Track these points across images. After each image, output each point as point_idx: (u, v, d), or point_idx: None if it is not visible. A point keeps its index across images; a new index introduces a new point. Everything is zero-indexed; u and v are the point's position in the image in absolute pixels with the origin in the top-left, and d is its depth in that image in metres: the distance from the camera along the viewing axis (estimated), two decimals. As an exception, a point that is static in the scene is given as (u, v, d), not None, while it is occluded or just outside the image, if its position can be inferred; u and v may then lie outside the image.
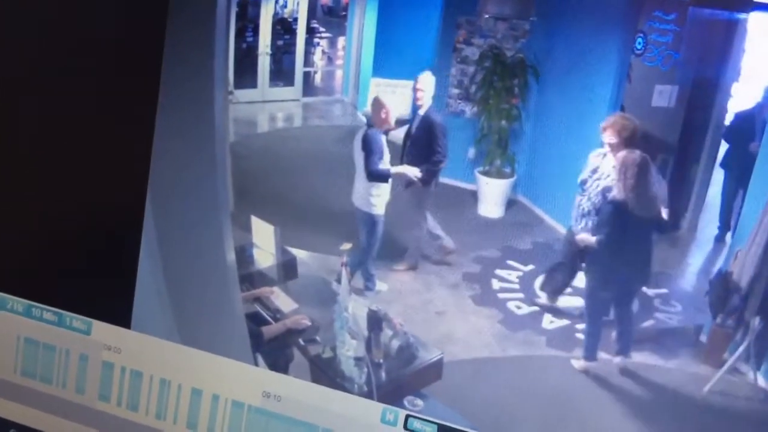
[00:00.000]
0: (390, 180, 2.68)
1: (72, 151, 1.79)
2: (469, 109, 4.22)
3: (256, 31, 2.89)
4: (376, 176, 2.74)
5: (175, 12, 1.67)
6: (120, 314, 1.73)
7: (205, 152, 2.03)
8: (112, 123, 1.80)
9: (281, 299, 2.83)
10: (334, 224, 3.08)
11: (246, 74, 3.00)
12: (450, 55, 4.36)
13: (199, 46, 1.86)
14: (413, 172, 2.65)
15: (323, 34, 3.61)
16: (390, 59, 4.18)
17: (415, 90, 3.02)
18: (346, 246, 3.04)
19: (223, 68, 1.97)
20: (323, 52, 3.37)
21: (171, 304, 1.92)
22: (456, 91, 4.03)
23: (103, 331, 1.65)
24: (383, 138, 2.80)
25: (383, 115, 2.88)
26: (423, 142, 2.88)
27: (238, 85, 2.88)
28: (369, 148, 2.83)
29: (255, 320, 2.42)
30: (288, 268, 3.17)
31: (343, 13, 3.22)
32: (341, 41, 3.34)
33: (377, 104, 2.96)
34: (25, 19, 1.67)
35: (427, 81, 3.13)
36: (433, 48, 4.38)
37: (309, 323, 2.68)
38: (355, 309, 2.68)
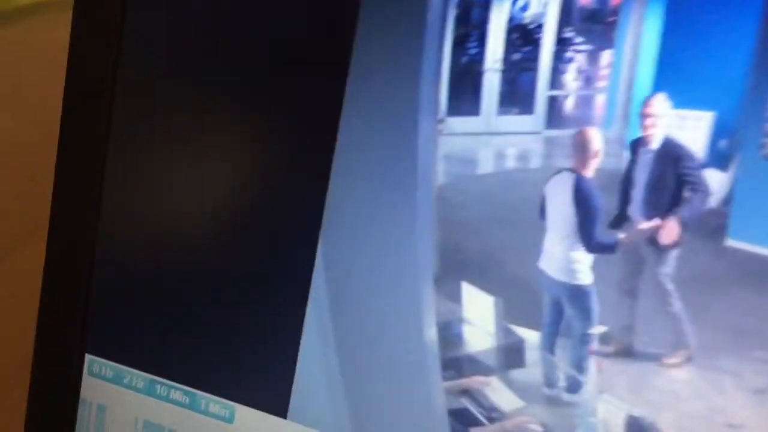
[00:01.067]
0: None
1: (224, 199, 1.87)
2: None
3: (482, 40, 2.80)
4: (601, 249, 2.50)
5: (368, 10, 1.65)
6: (274, 398, 1.72)
7: (402, 197, 1.99)
8: (279, 164, 1.84)
9: (500, 394, 2.78)
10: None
11: (465, 97, 2.94)
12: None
13: (398, 56, 1.82)
14: (658, 228, 2.45)
15: (580, 47, 3.40)
16: (679, 80, 3.84)
17: (643, 116, 2.72)
18: (598, 329, 3.21)
19: (432, 88, 1.91)
20: (579, 70, 3.20)
21: (344, 391, 1.89)
22: (778, 126, 3.53)
23: (250, 418, 1.67)
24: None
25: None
26: (663, 183, 2.67)
27: (453, 111, 2.83)
28: (587, 206, 2.59)
29: (461, 419, 2.31)
30: (511, 353, 3.39)
31: (611, 18, 3.01)
32: (606, 56, 3.14)
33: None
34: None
35: (659, 105, 3.01)
36: (746, 65, 3.95)
37: (540, 430, 2.51)
38: (608, 414, 2.41)
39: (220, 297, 1.88)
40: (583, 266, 2.92)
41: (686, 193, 2.76)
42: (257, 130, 1.87)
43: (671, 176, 2.93)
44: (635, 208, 2.88)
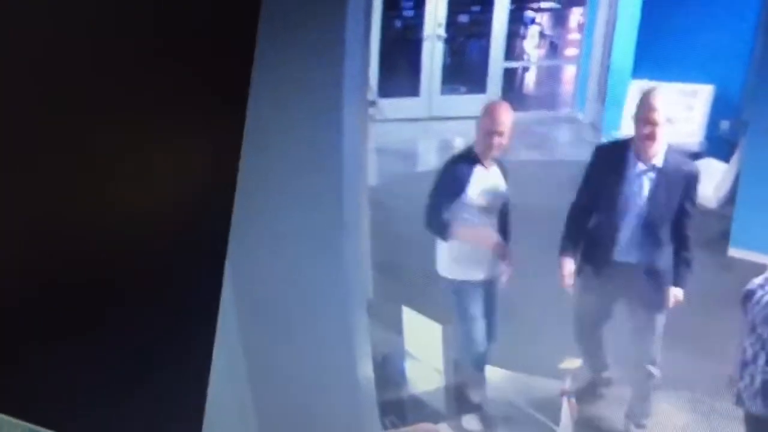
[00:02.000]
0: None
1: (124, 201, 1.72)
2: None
3: (420, 0, 2.77)
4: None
5: None
6: None
7: (325, 205, 1.89)
8: (177, 175, 1.67)
9: None
10: (548, 326, 2.97)
11: (401, 73, 2.91)
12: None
13: (314, 23, 1.68)
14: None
15: (543, 4, 3.35)
16: (669, 46, 3.88)
17: (641, 121, 2.79)
18: (571, 363, 2.93)
19: (358, 63, 1.79)
20: (542, 35, 3.19)
21: None
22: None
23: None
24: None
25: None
26: (665, 207, 2.92)
27: (387, 91, 2.78)
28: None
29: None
30: (465, 395, 2.90)
31: None
32: (576, 16, 3.14)
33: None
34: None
35: (660, 100, 2.96)
36: (753, 27, 4.02)
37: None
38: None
39: (117, 348, 1.71)
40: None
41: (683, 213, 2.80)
42: (138, 132, 1.71)
43: (671, 207, 2.93)
44: (620, 252, 2.89)
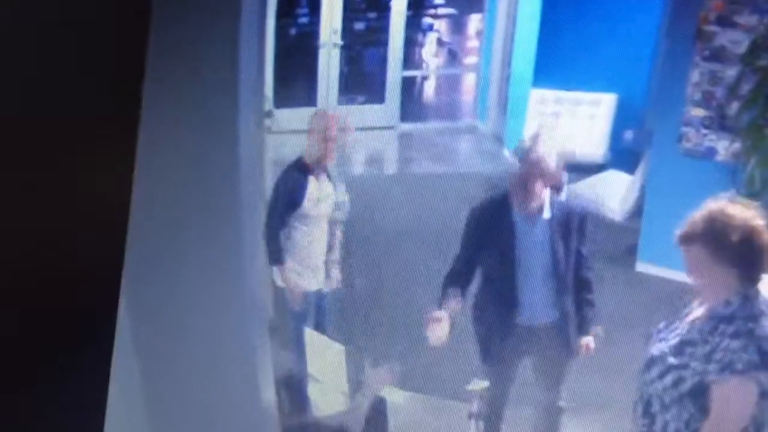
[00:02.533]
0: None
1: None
2: (724, 147, 3.93)
3: (315, 6, 2.86)
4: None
5: None
6: None
7: (221, 219, 1.92)
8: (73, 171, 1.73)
9: None
10: (454, 346, 2.91)
11: (297, 82, 2.98)
12: (688, 45, 4.14)
13: (207, 30, 1.79)
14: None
15: (441, 10, 3.54)
16: (569, 54, 4.04)
17: (522, 177, 2.72)
18: (479, 385, 2.91)
19: (253, 72, 1.88)
20: (441, 42, 3.30)
21: None
22: (699, 113, 3.77)
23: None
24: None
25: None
26: (562, 257, 2.95)
27: (283, 101, 2.83)
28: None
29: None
30: (372, 420, 2.95)
31: None
32: (475, 23, 3.25)
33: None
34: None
35: (541, 150, 2.90)
36: (654, 33, 4.19)
37: None
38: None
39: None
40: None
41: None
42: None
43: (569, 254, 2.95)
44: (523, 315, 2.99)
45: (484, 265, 2.90)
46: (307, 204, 2.97)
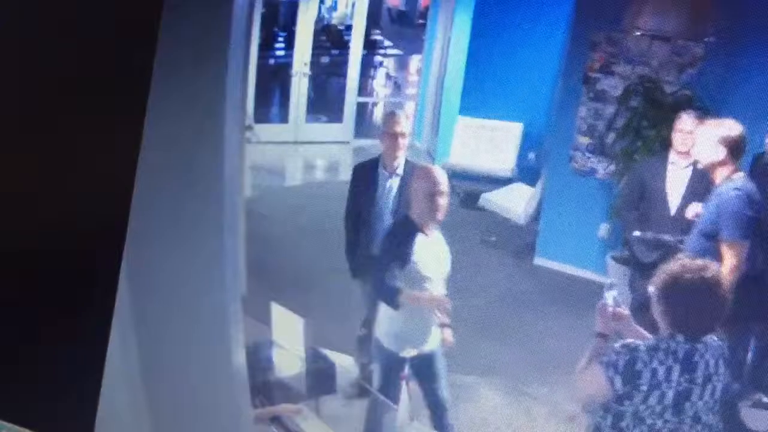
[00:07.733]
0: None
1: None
2: (603, 168, 4.06)
3: (290, 41, 2.91)
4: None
5: (169, 10, 1.65)
6: (77, 427, 1.61)
7: (209, 210, 1.93)
8: (79, 175, 1.74)
9: (310, 423, 2.71)
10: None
11: (273, 103, 2.99)
12: (578, 88, 4.29)
13: (202, 60, 1.81)
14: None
15: (389, 51, 3.58)
16: (488, 90, 4.13)
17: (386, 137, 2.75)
18: (410, 351, 2.83)
19: (238, 94, 1.91)
20: (388, 75, 3.33)
21: (150, 418, 1.80)
22: (585, 140, 3.89)
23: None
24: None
25: None
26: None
27: (261, 117, 2.84)
28: None
29: (271, 449, 2.28)
30: (322, 379, 2.99)
31: (421, 21, 3.19)
32: (415, 61, 3.28)
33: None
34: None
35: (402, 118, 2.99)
36: (554, 77, 4.31)
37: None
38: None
39: (17, 321, 1.72)
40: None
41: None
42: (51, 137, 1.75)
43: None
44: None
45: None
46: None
